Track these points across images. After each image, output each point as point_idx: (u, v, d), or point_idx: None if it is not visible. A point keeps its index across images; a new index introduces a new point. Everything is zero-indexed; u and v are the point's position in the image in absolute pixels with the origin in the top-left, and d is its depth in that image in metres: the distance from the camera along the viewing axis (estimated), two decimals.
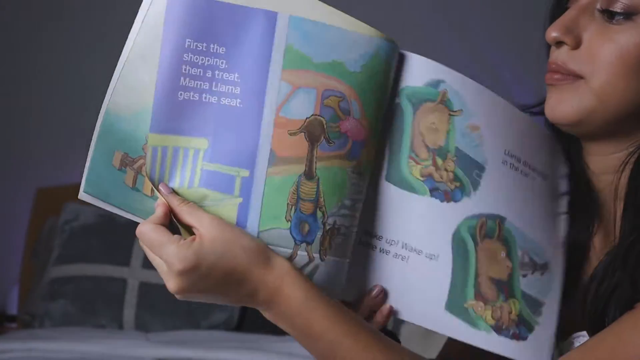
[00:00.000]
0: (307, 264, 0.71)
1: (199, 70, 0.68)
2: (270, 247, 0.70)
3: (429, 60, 0.74)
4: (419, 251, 0.74)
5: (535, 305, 0.77)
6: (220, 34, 0.69)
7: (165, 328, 2.21)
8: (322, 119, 0.71)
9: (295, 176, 0.70)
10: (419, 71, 0.74)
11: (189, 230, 0.68)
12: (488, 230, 0.76)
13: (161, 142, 0.69)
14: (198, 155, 0.69)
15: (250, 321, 2.23)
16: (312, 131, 0.70)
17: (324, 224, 0.71)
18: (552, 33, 0.76)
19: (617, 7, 0.73)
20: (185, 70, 0.68)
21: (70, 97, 2.68)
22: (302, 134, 0.70)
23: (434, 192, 0.74)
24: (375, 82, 0.72)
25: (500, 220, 0.76)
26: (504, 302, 0.75)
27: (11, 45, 2.76)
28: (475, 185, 0.75)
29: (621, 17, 0.73)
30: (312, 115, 0.70)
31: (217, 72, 0.69)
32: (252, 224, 0.70)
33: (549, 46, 0.80)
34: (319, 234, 0.71)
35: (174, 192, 0.69)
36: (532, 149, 0.80)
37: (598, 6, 0.75)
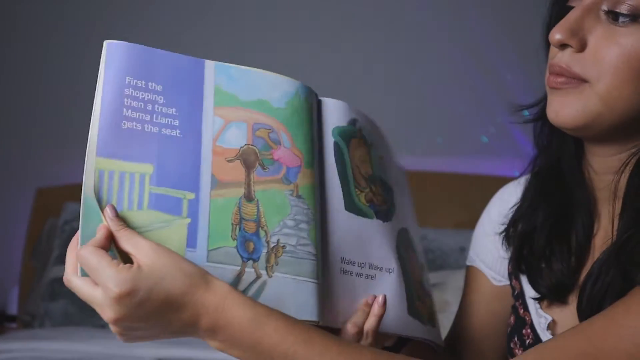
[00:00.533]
0: (255, 280, 0.73)
1: (139, 103, 0.73)
2: (220, 265, 0.71)
3: (343, 102, 0.86)
4: (380, 268, 0.83)
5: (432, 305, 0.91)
6: (157, 75, 0.75)
7: None
8: (254, 147, 0.77)
9: (237, 198, 0.75)
10: (340, 113, 0.85)
11: (127, 258, 0.66)
12: (408, 243, 0.89)
13: (108, 165, 0.70)
14: (144, 179, 0.71)
15: None
16: (247, 158, 0.76)
17: (267, 242, 0.75)
18: (557, 35, 0.74)
19: (623, 9, 0.71)
20: (127, 102, 0.72)
21: (70, 97, 2.50)
22: (238, 160, 0.76)
23: (377, 214, 0.84)
24: (300, 117, 0.81)
25: (407, 232, 0.90)
26: (428, 298, 0.90)
27: (11, 45, 2.69)
28: (394, 204, 0.88)
29: (627, 19, 0.71)
30: (245, 144, 0.77)
31: (156, 106, 0.74)
32: (202, 243, 0.71)
33: (547, 46, 0.80)
34: (264, 251, 0.74)
35: (117, 217, 0.68)
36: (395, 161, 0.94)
37: (603, 7, 0.73)
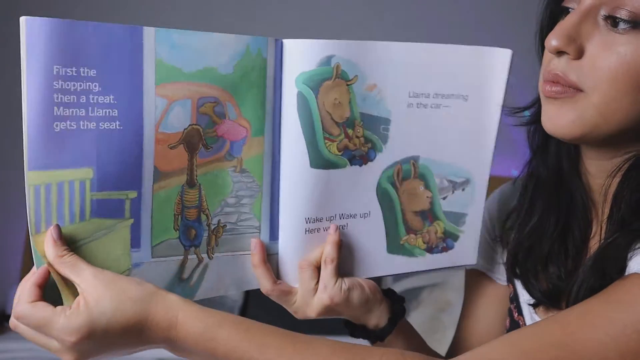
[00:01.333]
0: (198, 265, 0.75)
1: (72, 97, 0.64)
2: (163, 258, 0.72)
3: (314, 40, 0.75)
4: (353, 215, 0.80)
5: (458, 218, 0.86)
6: (88, 56, 0.64)
7: None
8: (198, 127, 0.72)
9: (179, 187, 0.72)
10: (308, 54, 0.75)
11: (70, 286, 0.65)
12: (405, 173, 0.82)
13: (42, 179, 0.64)
14: (85, 186, 0.66)
15: None
16: (190, 140, 0.71)
17: (208, 225, 0.75)
18: (553, 41, 0.70)
19: (623, 15, 0.67)
20: (57, 99, 0.63)
21: None
22: (182, 145, 0.71)
23: (352, 160, 0.79)
24: (250, 80, 0.74)
25: (414, 160, 0.82)
26: (430, 226, 0.85)
27: (12, 45, 2.14)
28: (385, 139, 0.80)
29: (627, 25, 0.67)
30: (189, 125, 0.71)
31: (91, 96, 0.65)
32: (145, 241, 0.70)
33: (542, 49, 0.76)
34: (205, 235, 0.75)
35: (61, 239, 0.65)
36: (445, 76, 0.81)
37: (602, 12, 0.69)
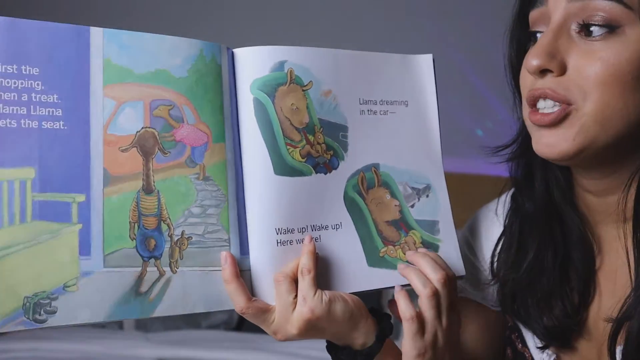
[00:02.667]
0: (159, 278, 0.70)
1: (12, 94, 0.63)
2: (118, 269, 0.67)
3: (264, 47, 0.75)
4: (325, 227, 0.76)
5: (431, 226, 0.81)
6: (31, 55, 0.64)
7: (165, 328, 2.18)
8: (153, 130, 0.69)
9: (134, 193, 0.68)
10: (260, 61, 0.74)
11: None
12: (369, 181, 0.79)
13: None
14: (25, 187, 0.64)
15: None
16: (144, 144, 0.69)
17: (170, 236, 0.70)
18: (534, 61, 0.68)
19: (597, 20, 0.66)
20: None
21: None
22: (135, 148, 0.68)
23: (316, 167, 0.76)
24: (205, 84, 0.72)
25: (375, 167, 0.80)
26: (406, 236, 0.80)
27: None
28: (345, 146, 0.78)
29: (603, 30, 0.66)
30: (142, 128, 0.69)
31: (33, 94, 0.64)
32: (96, 249, 0.67)
33: (516, 85, 0.76)
34: (167, 247, 0.70)
35: None
36: (386, 82, 0.82)
37: (574, 26, 0.68)
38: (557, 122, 0.68)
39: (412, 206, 0.81)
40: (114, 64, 0.67)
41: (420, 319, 0.71)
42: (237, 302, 0.70)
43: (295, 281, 0.71)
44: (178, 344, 1.94)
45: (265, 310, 0.71)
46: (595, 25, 0.66)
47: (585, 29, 0.67)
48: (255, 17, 2.74)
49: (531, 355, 0.79)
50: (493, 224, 0.85)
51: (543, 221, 0.77)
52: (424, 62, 0.84)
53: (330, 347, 0.75)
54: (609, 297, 0.74)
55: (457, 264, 0.81)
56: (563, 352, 0.77)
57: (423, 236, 0.81)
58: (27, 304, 0.63)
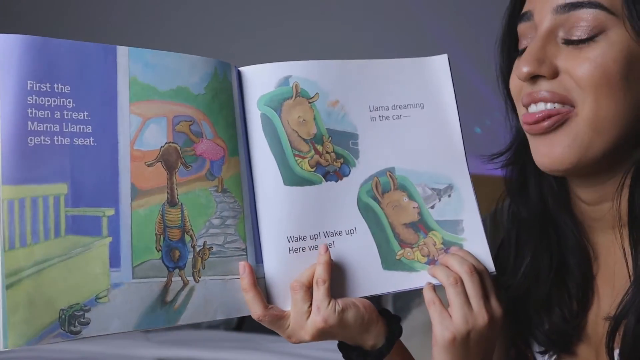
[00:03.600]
0: (183, 288, 0.72)
1: (46, 112, 0.65)
2: (145, 280, 0.70)
3: (269, 64, 0.78)
4: (339, 232, 0.78)
5: (454, 226, 0.82)
6: (62, 73, 0.66)
7: (166, 328, 2.10)
8: (176, 145, 0.72)
9: (159, 206, 0.71)
10: (266, 78, 0.78)
11: None
12: (384, 186, 0.81)
13: (17, 194, 0.64)
14: (59, 202, 0.66)
15: (250, 321, 2.19)
16: (168, 159, 0.72)
17: (193, 247, 0.73)
18: (524, 68, 0.70)
19: (582, 29, 0.69)
20: (31, 113, 0.64)
21: None
22: (159, 163, 0.71)
23: (326, 176, 0.79)
24: (220, 101, 0.75)
25: (390, 171, 0.82)
26: (425, 238, 0.81)
27: None
28: (356, 153, 0.81)
29: (587, 41, 0.69)
30: (166, 143, 0.71)
31: (65, 112, 0.66)
32: (126, 261, 0.69)
33: (507, 90, 0.78)
34: (190, 257, 0.73)
35: None
36: (397, 87, 0.83)
37: (560, 34, 0.71)
38: (555, 128, 0.70)
39: (433, 207, 0.82)
40: (139, 81, 0.70)
41: (442, 305, 0.74)
42: (254, 310, 0.74)
43: (310, 290, 0.75)
44: (178, 344, 1.93)
45: (280, 317, 0.75)
46: (580, 33, 0.69)
47: (571, 37, 0.70)
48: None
49: (534, 357, 0.82)
50: (495, 230, 0.88)
51: (538, 228, 0.80)
52: (439, 63, 0.85)
53: (342, 346, 0.79)
54: (607, 301, 0.76)
55: (486, 260, 0.80)
56: (563, 357, 0.79)
57: (444, 236, 0.81)
58: (63, 316, 0.65)
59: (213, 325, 2.28)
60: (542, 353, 0.80)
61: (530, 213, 0.81)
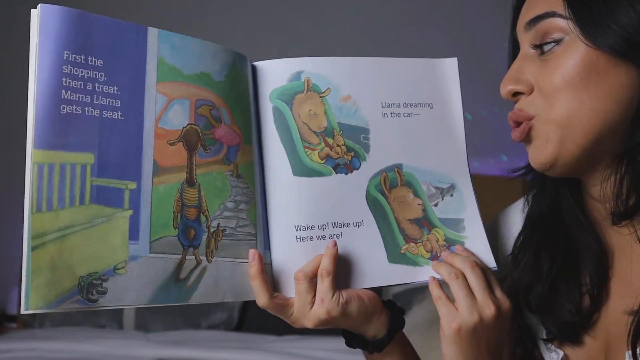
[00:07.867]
0: (196, 267, 0.74)
1: (79, 82, 0.67)
2: (162, 255, 0.71)
3: (282, 59, 0.81)
4: (347, 224, 0.80)
5: (456, 224, 0.85)
6: (97, 47, 0.68)
7: (165, 328, 2.16)
8: (197, 127, 0.74)
9: (178, 184, 0.73)
10: (278, 72, 0.81)
11: None
12: (391, 181, 0.83)
13: (47, 158, 0.65)
14: (85, 171, 0.67)
15: (250, 321, 2.19)
16: (189, 139, 0.74)
17: (208, 227, 0.75)
18: (502, 89, 0.77)
19: (545, 38, 0.74)
20: (65, 82, 0.66)
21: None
22: (181, 142, 0.73)
23: (337, 168, 0.81)
24: (238, 90, 0.78)
25: (398, 167, 0.84)
26: (429, 234, 0.83)
27: (12, 47, 2.44)
28: (367, 148, 0.83)
29: (551, 46, 0.74)
30: (187, 124, 0.74)
31: (97, 84, 0.68)
32: (144, 234, 0.70)
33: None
34: (204, 237, 0.74)
35: None
36: (409, 86, 0.86)
37: (530, 46, 0.76)
38: (526, 137, 0.76)
39: (436, 205, 0.85)
40: (167, 62, 0.72)
41: (449, 299, 0.76)
42: (259, 297, 0.75)
43: (314, 281, 0.76)
44: (178, 344, 1.91)
45: (284, 306, 0.76)
46: (544, 43, 0.74)
47: (539, 49, 0.75)
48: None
49: (540, 355, 0.83)
50: (516, 222, 0.89)
51: (545, 226, 0.83)
52: (449, 66, 0.88)
53: (345, 332, 0.81)
54: (622, 299, 0.77)
55: (486, 257, 0.83)
56: (570, 351, 0.81)
57: (447, 234, 0.84)
58: (82, 283, 0.65)
59: (213, 325, 2.26)
60: (546, 341, 0.82)
61: (541, 210, 0.84)
